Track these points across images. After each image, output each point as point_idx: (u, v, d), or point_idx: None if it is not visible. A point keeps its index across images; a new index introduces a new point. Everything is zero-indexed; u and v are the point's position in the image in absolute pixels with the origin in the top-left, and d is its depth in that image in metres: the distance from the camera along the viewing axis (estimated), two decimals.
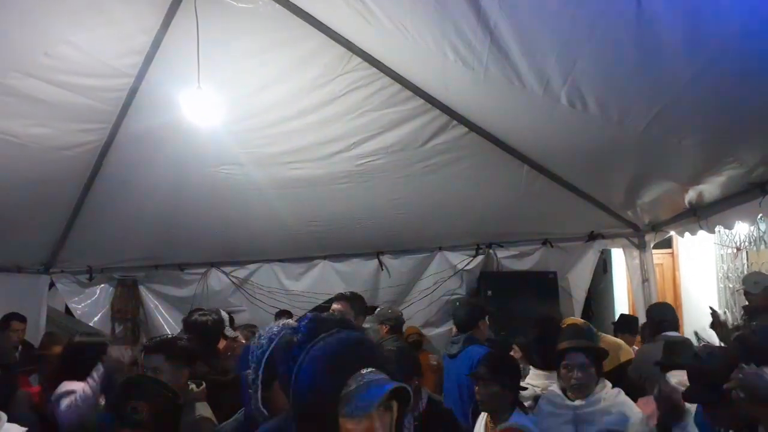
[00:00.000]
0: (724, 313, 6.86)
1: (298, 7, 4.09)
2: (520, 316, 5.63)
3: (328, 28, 4.21)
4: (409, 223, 6.24)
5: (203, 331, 3.91)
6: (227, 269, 7.08)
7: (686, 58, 2.68)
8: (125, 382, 2.62)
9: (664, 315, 4.55)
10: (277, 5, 4.08)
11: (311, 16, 4.14)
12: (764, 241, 6.76)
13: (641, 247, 6.20)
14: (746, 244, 7.15)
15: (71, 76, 4.24)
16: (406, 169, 5.41)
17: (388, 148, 5.16)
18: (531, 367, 4.08)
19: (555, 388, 3.37)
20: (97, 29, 4.01)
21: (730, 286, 7.48)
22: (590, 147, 4.32)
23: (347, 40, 4.27)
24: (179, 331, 4.52)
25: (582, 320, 4.83)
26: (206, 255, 6.97)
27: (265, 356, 1.87)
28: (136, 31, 4.20)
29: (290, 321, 2.00)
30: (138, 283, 7.18)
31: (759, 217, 4.33)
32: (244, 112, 4.82)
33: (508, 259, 6.67)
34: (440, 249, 6.73)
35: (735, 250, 7.35)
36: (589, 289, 6.81)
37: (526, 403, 3.48)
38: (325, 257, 6.91)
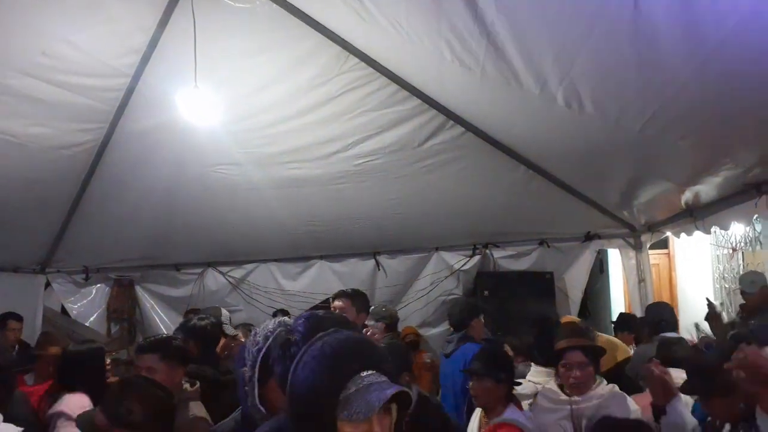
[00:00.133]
0: (721, 304, 6.90)
1: (295, 6, 4.09)
2: (517, 316, 5.66)
3: (325, 27, 4.21)
4: (406, 223, 6.25)
5: (203, 335, 3.92)
6: (224, 269, 7.07)
7: (683, 58, 2.69)
8: (118, 382, 2.61)
9: (662, 315, 4.57)
10: (274, 5, 4.07)
11: (308, 15, 4.13)
12: (760, 242, 6.79)
13: (637, 247, 6.22)
14: (742, 244, 7.18)
15: (69, 75, 4.23)
16: (404, 170, 5.42)
17: (385, 149, 5.16)
18: (532, 364, 4.09)
19: (552, 384, 3.38)
20: (95, 28, 4.01)
21: (726, 286, 7.51)
22: (587, 147, 4.33)
23: (344, 40, 4.27)
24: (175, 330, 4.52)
25: (579, 319, 4.85)
26: (203, 255, 6.96)
27: (261, 354, 1.87)
28: (133, 30, 4.19)
29: (286, 318, 2.00)
30: (134, 282, 7.16)
31: (755, 217, 4.36)
32: (242, 112, 4.82)
33: (504, 259, 6.69)
34: (437, 249, 6.74)
35: (731, 251, 7.38)
36: (585, 289, 6.84)
37: (528, 401, 3.49)
38: (322, 257, 6.92)
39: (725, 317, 5.78)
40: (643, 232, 6.11)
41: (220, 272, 7.08)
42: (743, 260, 7.20)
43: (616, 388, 3.23)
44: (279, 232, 6.42)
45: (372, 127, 4.97)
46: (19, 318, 5.55)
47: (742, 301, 5.44)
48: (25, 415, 3.26)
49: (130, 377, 2.83)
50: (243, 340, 4.73)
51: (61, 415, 3.22)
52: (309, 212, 6.14)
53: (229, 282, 7.06)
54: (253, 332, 1.99)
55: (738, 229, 6.83)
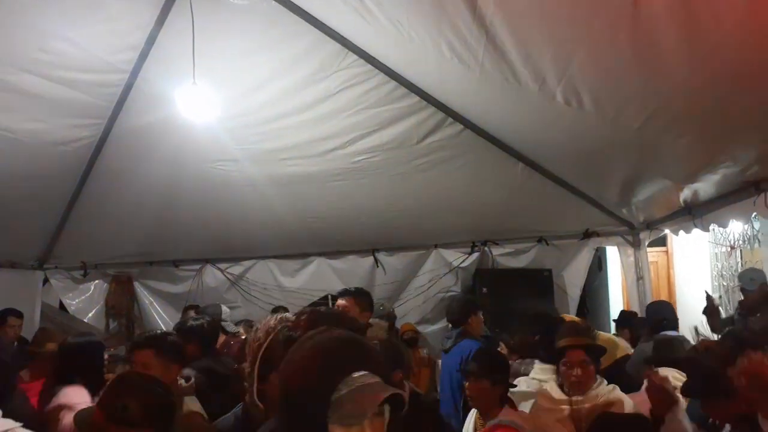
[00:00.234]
0: (719, 297, 6.91)
1: (293, 3, 4.08)
2: (516, 313, 5.65)
3: (324, 24, 4.20)
4: (405, 221, 6.25)
5: (200, 334, 3.94)
6: (222, 265, 7.07)
7: (681, 56, 2.68)
8: (115, 379, 2.60)
9: (663, 314, 4.57)
10: (273, 2, 4.06)
11: (306, 12, 4.12)
12: (758, 240, 6.79)
13: (636, 245, 6.22)
14: (740, 242, 7.18)
15: (66, 71, 4.22)
16: (402, 167, 5.41)
17: (383, 146, 5.16)
18: (536, 361, 4.08)
19: (552, 384, 3.38)
20: (93, 25, 3.99)
21: (724, 284, 7.52)
22: (585, 145, 4.33)
23: (342, 36, 4.26)
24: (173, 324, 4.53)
25: (579, 318, 4.86)
26: (201, 251, 6.95)
27: (262, 349, 1.86)
28: (131, 27, 4.18)
29: (288, 315, 1.99)
30: (133, 279, 7.16)
31: (753, 215, 4.35)
32: (240, 109, 4.81)
33: (503, 256, 6.69)
34: (436, 246, 6.74)
35: (729, 249, 7.39)
36: (583, 286, 6.84)
37: (533, 399, 3.49)
38: (320, 254, 6.91)
39: (723, 310, 5.79)
40: (641, 230, 6.12)
41: (219, 269, 7.07)
42: (741, 258, 7.20)
43: (617, 388, 3.22)
44: (277, 229, 6.42)
45: (370, 124, 4.96)
46: (19, 314, 5.53)
47: (740, 299, 5.44)
48: (23, 411, 3.25)
49: (127, 373, 2.82)
50: (244, 336, 4.74)
51: (63, 407, 3.20)
52: (307, 209, 6.14)
53: (228, 279, 7.06)
54: (254, 328, 1.99)
55: (736, 227, 6.83)
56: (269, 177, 5.61)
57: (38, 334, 4.94)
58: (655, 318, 4.59)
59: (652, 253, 7.50)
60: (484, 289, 6.44)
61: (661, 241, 8.23)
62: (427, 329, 6.65)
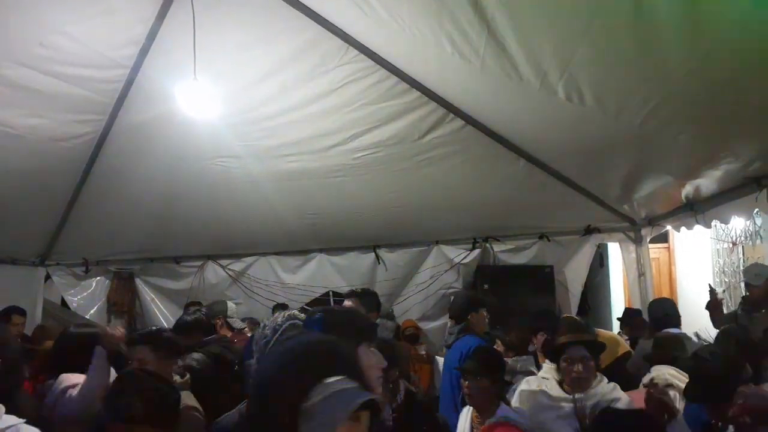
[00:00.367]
0: (723, 291, 6.89)
1: None
2: (517, 310, 5.65)
3: (325, 19, 4.18)
4: (406, 217, 6.24)
5: (197, 326, 3.96)
6: (224, 262, 7.09)
7: (683, 51, 2.67)
8: (119, 377, 2.60)
9: (665, 311, 4.55)
10: None
11: (307, 7, 4.11)
12: (760, 236, 6.77)
13: (637, 241, 6.21)
14: (742, 238, 7.16)
15: (67, 66, 4.21)
16: (403, 163, 5.40)
17: (385, 142, 5.14)
18: (546, 361, 4.08)
19: (552, 381, 3.38)
20: (93, 19, 3.98)
21: (726, 280, 7.51)
22: (587, 141, 4.32)
23: (344, 31, 4.25)
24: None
25: (577, 317, 4.85)
26: (202, 248, 6.96)
27: (268, 347, 1.85)
28: (132, 22, 4.17)
29: (295, 312, 1.98)
30: (134, 275, 7.18)
31: (755, 211, 4.34)
32: (241, 105, 4.80)
33: (504, 253, 6.68)
34: (437, 243, 6.74)
35: (731, 245, 7.37)
36: (585, 283, 6.83)
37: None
38: (321, 250, 6.92)
39: (725, 305, 5.77)
40: (643, 226, 6.11)
41: (220, 265, 7.09)
42: (743, 254, 7.19)
43: (618, 387, 3.22)
44: (278, 226, 6.42)
45: (372, 120, 4.95)
46: (22, 312, 5.54)
47: (742, 296, 5.43)
48: (27, 408, 3.25)
49: (131, 371, 2.82)
50: (249, 333, 4.75)
51: (66, 389, 3.17)
52: (308, 205, 6.14)
53: (229, 275, 7.07)
54: (261, 325, 1.98)
55: (738, 223, 6.81)
56: (270, 173, 5.60)
57: (36, 332, 4.94)
58: (657, 315, 4.59)
59: (654, 250, 7.49)
60: (486, 286, 6.44)
61: (663, 238, 8.21)
62: (428, 326, 6.64)
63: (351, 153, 5.29)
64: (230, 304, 5.38)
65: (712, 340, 4.85)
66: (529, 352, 4.54)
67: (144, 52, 4.38)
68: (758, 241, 6.84)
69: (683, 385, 2.83)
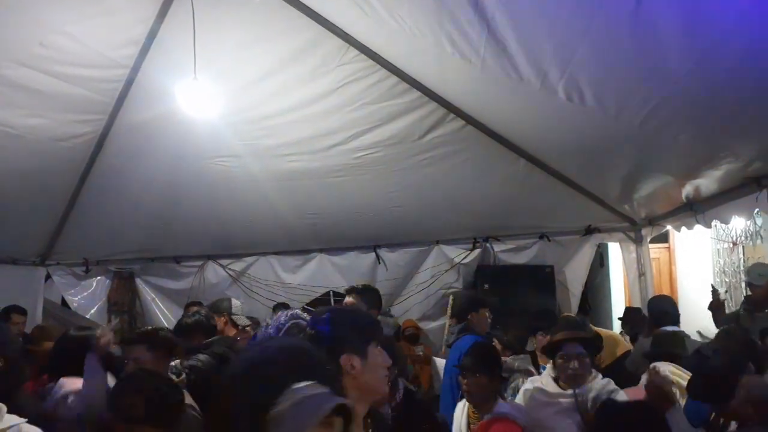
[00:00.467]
0: (726, 292, 6.88)
1: None
2: (518, 309, 5.66)
3: (325, 19, 4.19)
4: (406, 217, 6.24)
5: (197, 328, 3.97)
6: (224, 262, 7.08)
7: (683, 51, 2.67)
8: (122, 377, 2.61)
9: (665, 309, 4.55)
10: None
11: (308, 7, 4.11)
12: (760, 236, 6.76)
13: (638, 241, 6.21)
14: (742, 238, 7.15)
15: (67, 66, 4.22)
16: (404, 163, 5.41)
17: (385, 141, 5.15)
18: (550, 362, 4.08)
19: (547, 378, 3.39)
20: (93, 19, 3.99)
21: (727, 280, 7.50)
22: (587, 141, 4.31)
23: (344, 31, 4.25)
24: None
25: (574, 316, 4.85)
26: (203, 247, 6.96)
27: None
28: (132, 22, 4.18)
29: (298, 311, 1.99)
30: (134, 275, 7.17)
31: (756, 211, 4.34)
32: (241, 104, 4.80)
33: (504, 252, 6.68)
34: (437, 242, 6.73)
35: (731, 245, 7.36)
36: (585, 283, 6.83)
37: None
38: (321, 250, 6.92)
39: (728, 304, 5.76)
40: (643, 226, 6.10)
41: (220, 265, 7.08)
42: (744, 254, 7.18)
43: (611, 382, 3.23)
44: (279, 225, 6.42)
45: (372, 120, 4.95)
46: (22, 311, 5.53)
47: (745, 296, 5.42)
48: (29, 408, 3.24)
49: (134, 371, 2.83)
50: (254, 333, 4.75)
51: (67, 395, 3.18)
52: (309, 205, 6.14)
53: (229, 275, 7.06)
54: (264, 324, 1.98)
55: (738, 223, 6.80)
56: (270, 173, 5.60)
57: (35, 332, 4.92)
58: (656, 312, 4.58)
59: (654, 250, 7.49)
60: (486, 286, 6.44)
61: (663, 238, 8.21)
62: (428, 326, 6.65)
63: (351, 153, 5.29)
64: (235, 301, 5.37)
65: (712, 332, 4.85)
66: (527, 351, 4.55)
67: (144, 51, 4.38)
68: (759, 241, 6.83)
69: (683, 382, 2.84)
